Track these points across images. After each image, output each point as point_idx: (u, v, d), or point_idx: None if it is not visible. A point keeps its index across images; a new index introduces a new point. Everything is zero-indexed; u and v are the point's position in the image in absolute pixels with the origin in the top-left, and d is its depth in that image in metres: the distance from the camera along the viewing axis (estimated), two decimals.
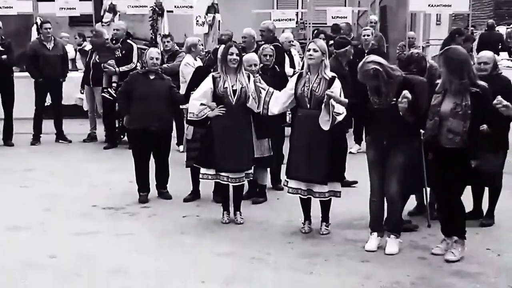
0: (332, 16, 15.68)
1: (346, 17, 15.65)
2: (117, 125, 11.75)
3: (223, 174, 7.23)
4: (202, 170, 7.30)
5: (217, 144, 7.19)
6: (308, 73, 6.79)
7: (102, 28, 12.78)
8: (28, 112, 12.31)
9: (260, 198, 8.22)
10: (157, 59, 8.19)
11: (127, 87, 8.32)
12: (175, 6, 15.34)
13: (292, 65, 11.79)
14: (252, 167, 7.38)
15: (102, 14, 15.33)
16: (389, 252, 6.42)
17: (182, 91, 8.81)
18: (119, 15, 15.30)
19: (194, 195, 8.23)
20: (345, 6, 18.13)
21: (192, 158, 8.00)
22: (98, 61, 11.60)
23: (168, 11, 15.20)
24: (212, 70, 7.87)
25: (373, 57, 6.40)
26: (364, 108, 6.46)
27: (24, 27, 16.35)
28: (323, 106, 6.45)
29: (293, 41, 11.60)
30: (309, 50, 6.76)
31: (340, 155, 6.91)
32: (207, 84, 7.23)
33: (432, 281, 5.75)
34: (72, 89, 13.29)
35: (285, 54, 11.66)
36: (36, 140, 12.17)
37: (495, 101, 5.72)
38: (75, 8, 15.82)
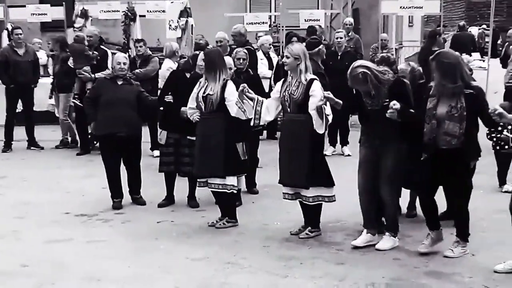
0: (305, 19, 15.69)
1: (319, 20, 15.67)
2: (89, 131, 11.65)
3: (199, 180, 7.32)
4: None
5: (195, 150, 7.30)
6: (290, 77, 6.84)
7: (81, 33, 12.65)
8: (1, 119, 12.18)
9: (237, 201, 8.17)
10: (124, 63, 8.14)
11: (94, 93, 8.27)
12: (147, 11, 15.24)
13: (271, 67, 11.85)
14: (230, 178, 7.20)
15: (73, 19, 15.20)
16: (378, 247, 6.51)
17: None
18: (91, 20, 15.19)
19: (169, 201, 8.18)
20: (318, 8, 18.17)
21: (165, 163, 7.98)
22: (72, 66, 11.48)
23: (140, 16, 15.11)
24: (188, 74, 7.91)
25: (360, 62, 6.49)
26: (360, 109, 6.56)
27: None
28: (314, 111, 6.51)
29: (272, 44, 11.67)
30: (284, 57, 6.87)
31: (321, 159, 6.90)
32: (195, 88, 7.34)
33: (407, 282, 5.76)
34: (44, 95, 13.16)
35: (264, 56, 11.72)
36: (7, 147, 12.03)
37: (490, 110, 5.74)
38: (46, 14, 15.67)
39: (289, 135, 6.81)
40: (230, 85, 7.18)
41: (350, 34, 13.56)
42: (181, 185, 8.26)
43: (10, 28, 14.21)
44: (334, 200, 6.89)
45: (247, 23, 15.03)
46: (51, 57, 14.17)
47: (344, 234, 6.98)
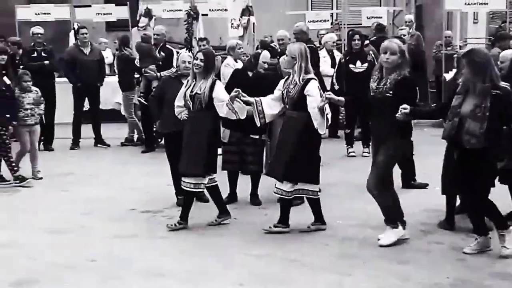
0: (367, 17, 15.58)
1: (382, 17, 15.53)
2: (154, 129, 11.84)
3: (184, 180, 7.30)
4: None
5: (182, 150, 7.34)
6: (291, 75, 7.04)
7: (148, 32, 12.88)
8: (67, 117, 12.49)
9: (297, 200, 8.19)
10: (189, 62, 8.20)
11: (159, 91, 8.39)
12: (209, 10, 15.38)
13: (334, 65, 11.80)
14: (210, 175, 7.28)
15: (138, 18, 15.42)
16: (381, 243, 6.60)
17: None
18: (155, 19, 15.40)
19: (231, 198, 8.25)
20: (380, 6, 18.01)
21: (229, 161, 8.05)
22: (139, 65, 11.69)
23: (203, 15, 15.24)
24: (250, 73, 7.96)
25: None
26: (365, 101, 6.66)
27: (61, 33, 16.57)
28: (315, 109, 6.71)
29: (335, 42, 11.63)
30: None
31: (310, 156, 6.97)
32: (183, 87, 7.42)
33: (472, 283, 5.68)
34: (110, 94, 13.47)
35: (327, 54, 11.67)
36: (75, 145, 12.34)
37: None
38: (111, 13, 15.99)
39: (284, 131, 7.05)
40: (219, 85, 7.28)
41: (411, 31, 13.42)
42: (244, 183, 8.32)
43: (76, 27, 14.56)
44: (318, 196, 7.04)
45: (308, 21, 15.05)
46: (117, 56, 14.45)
47: (408, 234, 6.91)
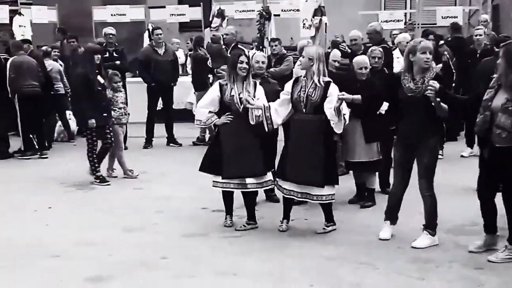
0: (442, 16, 15.30)
1: (457, 17, 15.22)
2: None
3: (230, 181, 7.26)
4: (213, 178, 7.40)
5: (225, 151, 7.23)
6: (305, 78, 6.95)
7: (218, 33, 13.03)
8: (140, 117, 12.70)
9: (368, 202, 8.13)
10: (263, 62, 8.20)
11: None
12: (282, 10, 15.40)
13: None
14: (268, 173, 7.33)
15: (210, 19, 15.60)
16: (415, 245, 6.60)
17: None
18: (227, 20, 15.52)
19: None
20: (455, 5, 17.67)
21: None
22: (211, 66, 11.80)
23: (275, 15, 15.27)
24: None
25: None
26: (394, 98, 6.65)
27: (136, 34, 16.88)
28: (331, 110, 6.68)
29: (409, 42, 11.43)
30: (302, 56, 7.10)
31: (333, 158, 7.12)
32: (214, 92, 7.32)
33: None
34: (182, 94, 13.63)
35: (401, 54, 11.46)
36: (148, 143, 12.55)
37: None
38: (185, 14, 16.21)
39: (305, 134, 6.94)
40: (259, 86, 7.33)
41: (486, 31, 13.09)
42: None
43: (150, 28, 14.81)
44: (334, 200, 7.12)
45: (381, 21, 14.86)
46: (189, 56, 14.63)
47: (482, 238, 6.75)
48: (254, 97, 7.14)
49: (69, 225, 7.65)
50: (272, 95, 7.42)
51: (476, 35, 11.08)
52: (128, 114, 10.27)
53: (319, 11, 14.67)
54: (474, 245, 6.43)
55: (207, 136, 12.68)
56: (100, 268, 6.26)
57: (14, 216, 8.10)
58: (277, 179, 7.25)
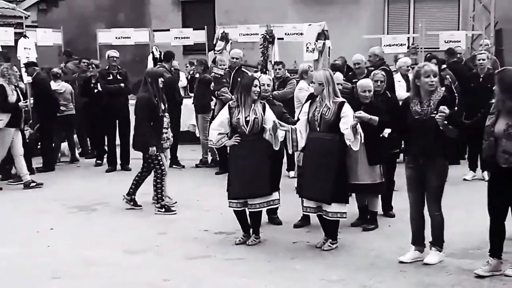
0: (445, 41, 15.36)
1: (460, 41, 15.29)
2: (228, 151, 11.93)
3: (236, 201, 7.48)
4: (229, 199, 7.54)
5: (232, 172, 7.48)
6: (320, 98, 7.22)
7: (221, 56, 13.12)
8: None
9: (370, 225, 8.11)
10: (268, 85, 8.24)
11: None
12: (285, 34, 15.48)
13: (409, 89, 11.62)
14: (275, 193, 7.54)
15: (214, 42, 15.69)
16: (427, 261, 6.70)
17: (297, 115, 8.86)
18: (231, 43, 15.60)
19: (304, 221, 8.21)
20: (458, 29, 17.73)
21: None
22: (212, 89, 11.83)
23: (278, 39, 15.36)
24: None
25: None
26: (403, 121, 6.76)
27: (139, 56, 16.97)
28: (348, 129, 6.90)
29: (409, 66, 11.48)
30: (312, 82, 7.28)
31: (345, 177, 7.32)
32: (223, 114, 7.54)
33: None
34: (185, 116, 13.64)
35: (402, 78, 11.52)
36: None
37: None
38: (189, 37, 16.30)
39: (319, 152, 7.15)
40: (268, 108, 7.52)
41: (489, 55, 13.12)
42: None
43: (155, 51, 14.89)
44: (346, 217, 7.29)
45: (384, 45, 14.92)
46: (190, 78, 14.70)
47: (485, 262, 6.72)
48: (264, 118, 7.38)
49: (71, 246, 7.64)
50: (277, 117, 7.53)
51: (479, 60, 11.11)
52: (170, 138, 9.86)
53: (322, 35, 14.77)
54: (481, 269, 6.36)
55: (209, 158, 12.69)
56: None
57: (16, 237, 8.09)
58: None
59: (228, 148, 7.64)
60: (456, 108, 10.62)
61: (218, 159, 12.20)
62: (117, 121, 12.40)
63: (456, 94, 10.86)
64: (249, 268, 6.83)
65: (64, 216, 9.14)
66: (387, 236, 7.78)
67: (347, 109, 7.13)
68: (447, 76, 11.02)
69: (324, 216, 7.24)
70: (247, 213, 7.60)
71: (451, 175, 10.46)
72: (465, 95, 10.91)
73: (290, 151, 7.51)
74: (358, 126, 6.97)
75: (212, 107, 12.19)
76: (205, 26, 16.13)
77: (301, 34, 15.22)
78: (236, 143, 7.43)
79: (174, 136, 12.54)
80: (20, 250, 7.55)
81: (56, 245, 7.72)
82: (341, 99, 7.23)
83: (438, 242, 6.81)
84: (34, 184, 11.02)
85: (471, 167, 10.90)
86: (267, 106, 7.55)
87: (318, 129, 7.19)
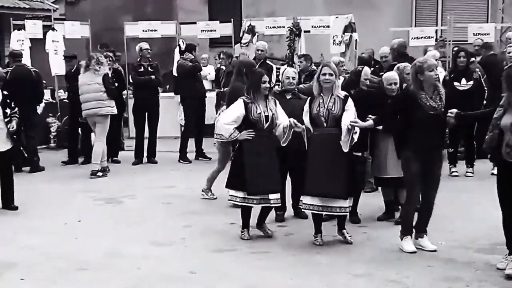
0: (473, 33, 15.16)
1: (489, 34, 15.08)
2: None
3: (253, 197, 7.37)
4: (231, 192, 7.48)
5: (249, 168, 7.33)
6: (321, 94, 7.13)
7: (242, 49, 13.12)
8: (170, 131, 12.77)
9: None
10: (293, 78, 8.22)
11: None
12: (312, 26, 15.40)
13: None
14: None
15: (241, 35, 15.67)
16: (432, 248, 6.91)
17: None
18: (257, 36, 15.57)
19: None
20: (487, 22, 17.50)
21: None
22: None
23: (305, 31, 15.29)
24: (352, 90, 7.88)
25: None
26: (407, 116, 6.77)
27: (166, 49, 17.01)
28: (345, 130, 6.86)
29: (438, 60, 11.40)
30: (324, 75, 7.12)
31: (355, 172, 7.37)
32: (239, 109, 7.41)
33: None
34: (211, 109, 13.66)
35: None
36: (183, 157, 12.58)
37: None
38: (215, 30, 16.28)
39: (328, 149, 7.06)
40: (278, 104, 7.53)
41: None
42: None
43: (181, 44, 14.91)
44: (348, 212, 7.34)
45: (412, 38, 14.80)
46: (217, 71, 14.71)
47: (504, 259, 6.65)
48: (276, 114, 7.41)
49: (98, 238, 7.70)
50: (301, 111, 7.47)
51: (509, 52, 10.98)
52: None
53: (349, 28, 14.69)
54: (504, 264, 6.30)
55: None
56: (128, 281, 6.29)
57: (44, 229, 8.17)
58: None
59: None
60: (484, 102, 10.55)
61: None
62: (146, 113, 12.45)
63: (485, 88, 10.72)
64: (274, 261, 6.83)
65: (91, 208, 9.21)
66: None
67: (350, 103, 7.11)
68: (476, 69, 10.88)
69: (338, 213, 7.18)
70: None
71: (478, 170, 10.48)
72: (495, 88, 10.77)
73: (281, 143, 7.40)
74: (357, 129, 6.94)
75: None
76: (232, 19, 16.11)
77: (328, 26, 15.14)
78: (250, 138, 7.37)
79: (199, 128, 12.68)
80: (48, 241, 7.62)
81: (83, 237, 7.79)
82: (344, 92, 7.23)
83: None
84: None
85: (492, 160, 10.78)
86: (277, 102, 7.54)
87: (325, 124, 7.10)
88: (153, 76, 12.32)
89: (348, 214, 7.36)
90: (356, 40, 14.62)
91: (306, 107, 7.27)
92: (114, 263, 6.83)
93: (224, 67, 13.14)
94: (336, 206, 7.10)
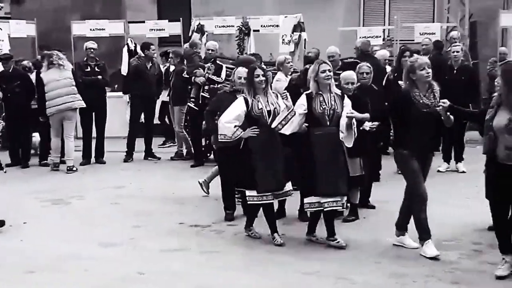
0: (420, 33, 15.40)
1: (435, 33, 15.35)
2: (203, 143, 11.91)
3: (268, 194, 7.31)
4: (248, 193, 7.37)
5: (259, 166, 7.27)
6: (320, 92, 7.02)
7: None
8: (118, 131, 12.65)
9: (351, 217, 8.12)
10: (244, 78, 8.23)
11: (215, 106, 8.40)
12: (261, 26, 15.44)
13: (388, 82, 11.63)
14: (288, 184, 7.46)
15: (190, 34, 15.60)
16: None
17: None
18: (207, 35, 15.53)
19: (280, 214, 8.20)
20: (433, 22, 17.79)
21: None
22: (187, 76, 11.73)
23: (254, 30, 15.32)
24: (302, 90, 7.89)
25: None
26: (402, 115, 6.72)
27: (114, 48, 16.83)
28: (345, 126, 6.84)
29: (387, 60, 11.51)
30: (324, 71, 7.02)
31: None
32: (240, 107, 7.34)
33: None
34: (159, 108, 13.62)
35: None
36: (129, 156, 12.47)
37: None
38: (164, 29, 16.19)
39: (331, 148, 7.04)
40: (280, 97, 7.51)
41: (463, 47, 13.17)
42: (292, 198, 8.27)
43: (130, 43, 14.78)
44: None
45: (360, 37, 14.95)
46: (166, 70, 14.61)
47: (459, 253, 6.79)
48: (278, 107, 7.32)
49: (44, 240, 7.57)
50: None
51: (453, 52, 11.17)
52: None
53: (298, 27, 14.78)
54: (500, 270, 6.18)
55: (185, 151, 12.64)
56: (76, 283, 6.20)
57: None
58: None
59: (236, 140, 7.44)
60: None
61: (193, 151, 12.17)
62: (93, 113, 12.29)
63: None
64: (225, 261, 6.81)
65: (38, 210, 9.04)
66: (364, 228, 7.81)
67: (347, 100, 7.12)
68: None
69: (331, 207, 7.09)
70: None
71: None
72: (444, 88, 10.93)
73: (273, 126, 7.24)
74: (354, 122, 6.90)
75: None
76: (181, 18, 16.03)
77: (277, 26, 15.20)
78: (254, 135, 7.30)
79: (148, 128, 12.62)
80: None
81: (29, 239, 7.64)
82: (339, 91, 7.21)
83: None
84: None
85: (445, 158, 10.98)
86: (279, 95, 7.52)
87: (328, 123, 7.02)
88: (100, 76, 12.17)
89: (343, 210, 7.46)
90: (305, 39, 14.71)
91: (304, 106, 7.09)
92: (62, 265, 6.72)
93: (173, 67, 13.04)
94: (336, 200, 7.04)
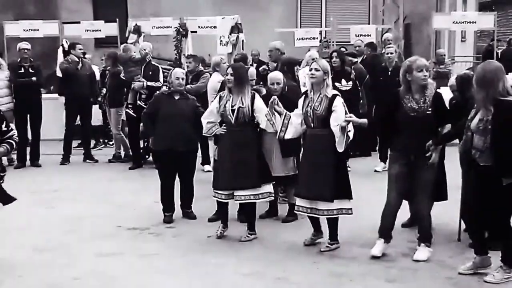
0: (355, 34, 15.63)
1: (370, 35, 15.59)
2: (141, 146, 11.81)
3: (221, 192, 7.38)
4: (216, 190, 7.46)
5: (221, 164, 7.40)
6: (312, 92, 6.95)
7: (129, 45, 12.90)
8: (54, 133, 12.42)
9: (289, 217, 8.15)
10: (182, 79, 8.21)
11: (152, 108, 8.34)
12: (199, 27, 15.42)
13: None
14: (266, 186, 7.39)
15: (127, 35, 15.46)
16: (417, 258, 6.61)
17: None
18: (144, 36, 15.41)
19: (219, 215, 8.18)
20: (369, 24, 18.08)
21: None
22: (124, 78, 11.59)
23: (192, 32, 15.28)
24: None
25: None
26: (390, 120, 6.64)
27: (49, 49, 16.53)
28: (337, 127, 6.63)
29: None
30: (311, 70, 6.92)
31: (344, 172, 6.99)
32: (214, 103, 7.50)
33: None
34: (98, 110, 13.41)
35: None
36: (66, 160, 12.25)
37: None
38: (100, 30, 15.99)
39: (314, 150, 6.96)
40: (258, 98, 7.40)
41: (397, 49, 13.41)
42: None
43: (65, 44, 14.53)
44: (352, 213, 6.94)
45: (297, 39, 15.10)
46: (103, 72, 14.43)
47: (394, 251, 6.89)
48: (253, 108, 7.27)
49: None
50: (191, 111, 7.66)
51: (387, 53, 11.35)
52: None
53: (236, 28, 14.83)
54: (464, 267, 6.24)
55: (123, 153, 12.51)
56: None
57: None
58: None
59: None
60: (361, 101, 10.85)
61: (131, 154, 12.04)
62: (28, 115, 12.02)
63: (359, 88, 10.95)
64: (163, 264, 6.75)
65: None
66: (301, 228, 7.82)
67: (338, 102, 6.77)
68: (352, 71, 11.00)
69: (319, 215, 6.98)
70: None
71: (362, 167, 10.80)
72: (376, 89, 11.09)
73: (277, 136, 7.22)
74: (350, 126, 6.68)
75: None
76: (117, 19, 15.85)
77: (215, 27, 15.20)
78: (223, 132, 7.34)
79: (86, 131, 12.44)
80: None
81: None
82: (334, 91, 6.95)
83: (428, 238, 6.73)
84: None
85: (382, 158, 11.13)
86: (256, 96, 7.40)
87: (312, 125, 6.92)
88: (34, 78, 11.91)
89: (335, 218, 6.97)
90: (243, 40, 14.76)
91: (300, 105, 7.04)
92: None
93: (109, 68, 12.86)
94: (321, 208, 6.88)
